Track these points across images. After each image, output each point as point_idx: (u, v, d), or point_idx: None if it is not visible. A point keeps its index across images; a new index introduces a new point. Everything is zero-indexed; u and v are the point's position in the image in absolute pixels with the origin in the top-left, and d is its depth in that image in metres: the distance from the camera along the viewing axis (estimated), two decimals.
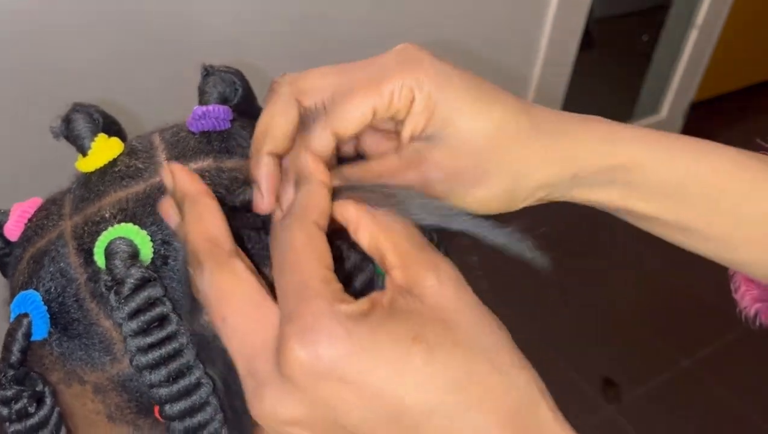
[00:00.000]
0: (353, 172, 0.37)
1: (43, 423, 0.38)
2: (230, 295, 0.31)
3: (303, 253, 0.30)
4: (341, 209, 0.34)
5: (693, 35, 2.58)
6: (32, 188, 0.48)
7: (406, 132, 0.37)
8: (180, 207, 0.35)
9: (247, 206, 0.37)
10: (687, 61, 2.64)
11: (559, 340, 1.98)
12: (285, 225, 0.32)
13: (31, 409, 0.38)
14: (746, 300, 0.40)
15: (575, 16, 2.16)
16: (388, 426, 0.27)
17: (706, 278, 2.20)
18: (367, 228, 0.32)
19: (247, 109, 0.43)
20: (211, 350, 0.36)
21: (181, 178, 0.35)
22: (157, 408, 0.36)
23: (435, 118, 0.36)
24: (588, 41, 2.37)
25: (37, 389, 0.38)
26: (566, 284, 2.17)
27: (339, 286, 0.30)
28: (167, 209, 0.36)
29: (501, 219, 0.35)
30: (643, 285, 2.23)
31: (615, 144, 0.39)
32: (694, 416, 1.86)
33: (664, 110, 2.74)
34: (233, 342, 0.31)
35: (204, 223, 0.33)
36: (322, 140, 0.35)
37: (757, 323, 0.39)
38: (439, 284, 0.30)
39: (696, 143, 0.40)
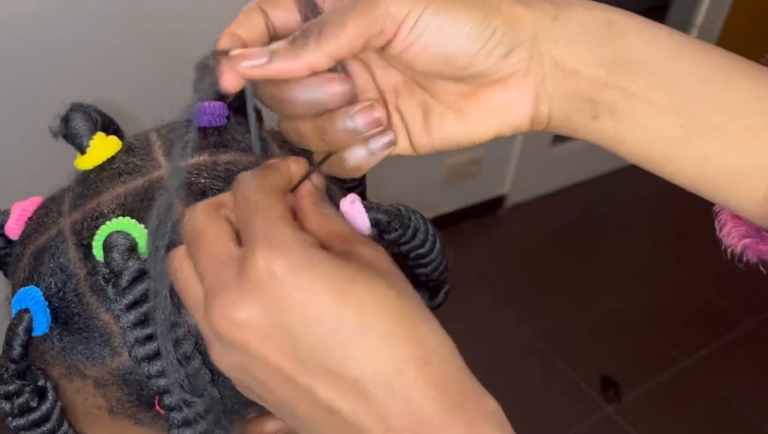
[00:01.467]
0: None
1: (45, 417, 0.39)
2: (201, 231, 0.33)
3: (258, 198, 0.33)
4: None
5: (692, 36, 2.58)
6: (32, 188, 0.48)
7: None
8: None
9: None
10: None
11: (559, 340, 1.98)
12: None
13: (33, 404, 0.38)
14: (732, 237, 0.36)
15: None
16: (327, 336, 0.29)
17: (707, 278, 2.22)
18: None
19: (242, 106, 0.44)
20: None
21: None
22: (157, 400, 0.37)
23: None
24: None
25: (39, 384, 0.39)
26: (566, 284, 2.17)
27: (296, 223, 0.33)
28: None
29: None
30: (643, 286, 2.24)
31: (596, 5, 0.36)
32: (693, 416, 1.86)
33: None
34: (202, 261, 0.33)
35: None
36: (316, 59, 0.33)
37: (744, 261, 0.36)
38: (374, 252, 0.33)
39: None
